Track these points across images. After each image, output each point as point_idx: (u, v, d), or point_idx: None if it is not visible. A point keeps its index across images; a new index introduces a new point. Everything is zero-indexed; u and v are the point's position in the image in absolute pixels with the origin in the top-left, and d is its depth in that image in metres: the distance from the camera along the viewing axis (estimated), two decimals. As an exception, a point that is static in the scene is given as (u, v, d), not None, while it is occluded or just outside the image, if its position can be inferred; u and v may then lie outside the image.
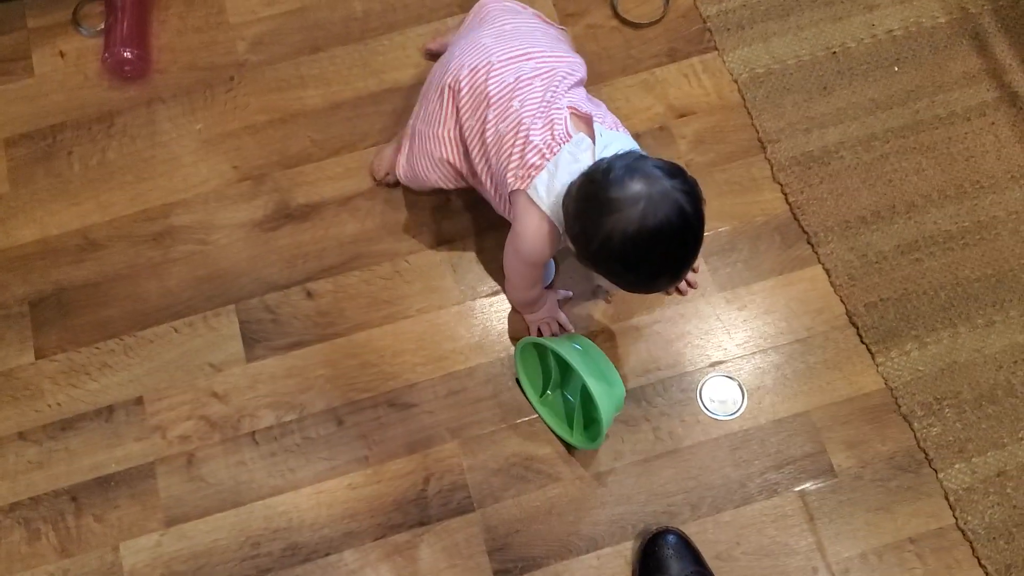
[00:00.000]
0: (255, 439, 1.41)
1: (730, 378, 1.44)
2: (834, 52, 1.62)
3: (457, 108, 1.32)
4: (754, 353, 1.45)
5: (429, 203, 1.53)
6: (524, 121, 1.24)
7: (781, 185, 1.53)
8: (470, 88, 1.30)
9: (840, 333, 1.46)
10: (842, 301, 1.47)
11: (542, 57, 1.31)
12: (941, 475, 1.37)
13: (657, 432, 1.40)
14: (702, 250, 1.49)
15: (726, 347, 1.45)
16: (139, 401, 1.43)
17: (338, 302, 1.48)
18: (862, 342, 1.45)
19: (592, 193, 1.13)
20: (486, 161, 1.30)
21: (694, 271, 1.47)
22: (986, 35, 1.63)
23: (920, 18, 1.65)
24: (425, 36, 1.64)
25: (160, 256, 1.52)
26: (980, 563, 1.33)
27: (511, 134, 1.24)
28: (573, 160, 1.19)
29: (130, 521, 1.37)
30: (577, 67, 1.33)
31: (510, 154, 1.24)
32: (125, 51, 1.59)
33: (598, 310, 1.47)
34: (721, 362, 1.44)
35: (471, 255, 1.51)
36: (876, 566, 1.34)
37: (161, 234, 1.53)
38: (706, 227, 1.50)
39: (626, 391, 1.43)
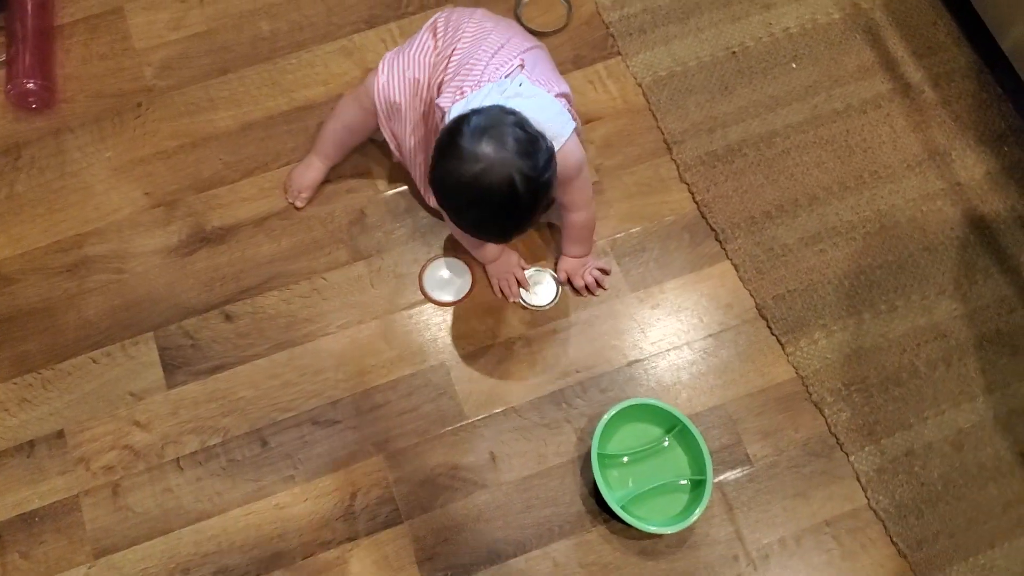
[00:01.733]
0: (180, 465, 1.41)
1: (540, 270, 1.52)
2: (733, 52, 1.67)
3: (435, 36, 1.39)
4: (669, 350, 1.48)
5: (345, 219, 1.54)
6: (479, 55, 1.32)
7: (688, 185, 1.57)
8: (455, 23, 1.39)
9: (751, 326, 1.50)
10: (751, 295, 1.51)
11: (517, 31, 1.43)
12: (852, 458, 1.42)
13: (580, 434, 1.43)
14: (614, 251, 1.53)
15: (641, 346, 1.49)
16: (60, 434, 1.42)
17: (257, 323, 1.49)
18: (772, 334, 1.49)
19: (452, 131, 1.19)
20: (439, 87, 1.35)
21: (605, 273, 1.50)
22: (878, 29, 1.69)
23: (815, 15, 1.70)
24: (333, 53, 1.65)
25: (75, 287, 1.51)
26: (892, 540, 1.38)
27: (467, 64, 1.32)
28: (483, 100, 1.26)
29: (57, 556, 1.36)
30: (542, 46, 1.46)
31: (453, 81, 1.31)
32: (29, 82, 1.57)
33: (516, 316, 1.50)
34: (637, 360, 1.48)
35: (388, 269, 1.52)
36: (795, 550, 1.38)
37: (75, 265, 1.52)
38: (617, 228, 1.55)
39: (547, 395, 1.46)
